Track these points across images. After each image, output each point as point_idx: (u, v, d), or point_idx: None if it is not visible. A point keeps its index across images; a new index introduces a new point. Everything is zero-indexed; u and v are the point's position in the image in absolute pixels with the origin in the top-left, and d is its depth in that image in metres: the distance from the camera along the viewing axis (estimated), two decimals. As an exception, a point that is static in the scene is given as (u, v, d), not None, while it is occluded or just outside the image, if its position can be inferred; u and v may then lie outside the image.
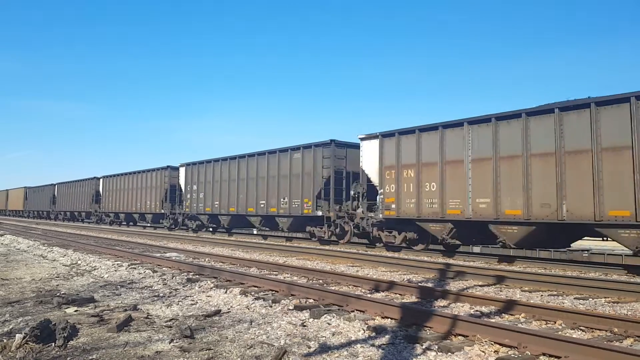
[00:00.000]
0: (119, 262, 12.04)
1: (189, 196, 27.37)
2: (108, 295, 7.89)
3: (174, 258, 13.23)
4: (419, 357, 4.63)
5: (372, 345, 4.95)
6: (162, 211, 30.21)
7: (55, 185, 50.64)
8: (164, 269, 11.09)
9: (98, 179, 39.52)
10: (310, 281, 9.50)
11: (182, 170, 28.16)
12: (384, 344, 4.98)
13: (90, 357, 4.55)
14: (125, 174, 35.07)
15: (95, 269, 11.25)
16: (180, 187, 28.47)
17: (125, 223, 36.51)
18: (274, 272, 10.77)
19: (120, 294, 8.02)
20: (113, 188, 36.59)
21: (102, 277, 10.06)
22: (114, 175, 36.56)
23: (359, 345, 4.92)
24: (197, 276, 9.84)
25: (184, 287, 8.70)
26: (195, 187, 26.86)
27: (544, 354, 4.60)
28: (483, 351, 4.76)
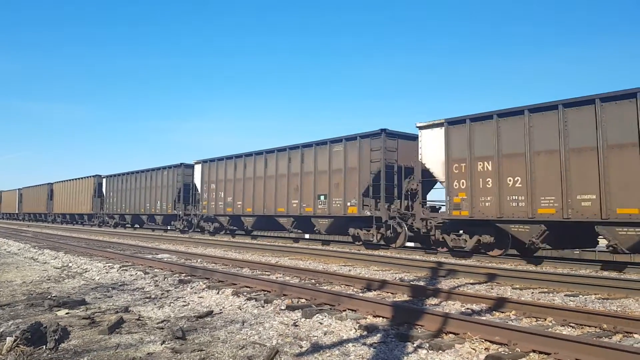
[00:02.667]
0: (110, 264, 11.99)
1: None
2: (99, 298, 7.86)
3: (165, 259, 13.19)
4: (410, 355, 4.66)
5: (364, 344, 4.97)
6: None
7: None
8: (155, 270, 11.05)
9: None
10: (303, 281, 9.51)
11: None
12: (375, 343, 5.00)
13: (82, 360, 4.54)
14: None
15: (86, 271, 11.20)
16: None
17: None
18: (267, 273, 10.77)
19: (112, 296, 7.99)
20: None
21: (93, 279, 10.02)
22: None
23: (350, 344, 4.94)
24: (189, 277, 9.82)
25: (175, 288, 8.68)
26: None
27: (533, 351, 4.63)
28: (474, 349, 4.79)
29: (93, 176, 39.62)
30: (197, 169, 27.24)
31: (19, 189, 58.95)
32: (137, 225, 36.47)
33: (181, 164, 29.44)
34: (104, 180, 38.01)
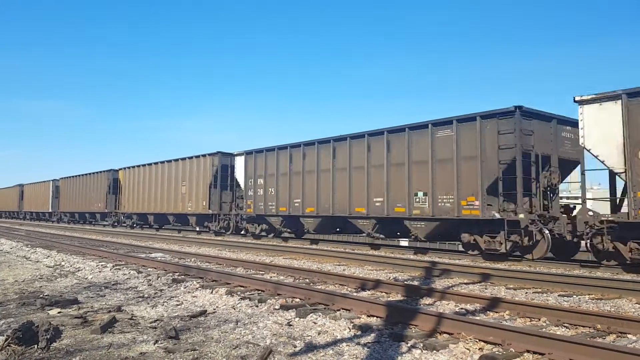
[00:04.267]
0: (103, 263, 11.92)
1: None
2: (92, 297, 7.81)
3: (159, 258, 13.13)
4: (404, 355, 4.65)
5: (358, 343, 4.95)
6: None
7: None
8: (149, 269, 11.00)
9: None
10: (297, 280, 9.49)
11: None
12: (369, 343, 4.98)
13: (74, 359, 4.50)
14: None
15: (79, 270, 11.13)
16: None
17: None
18: (261, 272, 10.74)
19: (105, 295, 7.94)
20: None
21: (86, 279, 9.96)
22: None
23: (344, 344, 4.93)
24: (183, 276, 9.77)
25: (169, 287, 8.64)
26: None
27: (527, 351, 4.63)
28: (468, 349, 4.79)
29: (210, 154, 25.55)
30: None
31: (54, 180, 45.89)
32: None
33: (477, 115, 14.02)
34: (240, 159, 23.91)
